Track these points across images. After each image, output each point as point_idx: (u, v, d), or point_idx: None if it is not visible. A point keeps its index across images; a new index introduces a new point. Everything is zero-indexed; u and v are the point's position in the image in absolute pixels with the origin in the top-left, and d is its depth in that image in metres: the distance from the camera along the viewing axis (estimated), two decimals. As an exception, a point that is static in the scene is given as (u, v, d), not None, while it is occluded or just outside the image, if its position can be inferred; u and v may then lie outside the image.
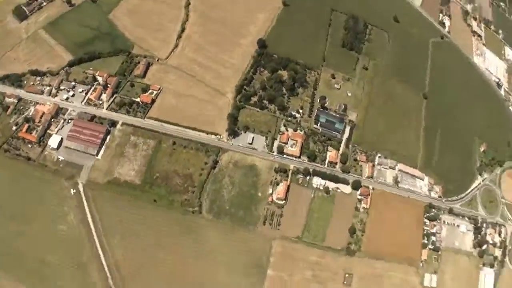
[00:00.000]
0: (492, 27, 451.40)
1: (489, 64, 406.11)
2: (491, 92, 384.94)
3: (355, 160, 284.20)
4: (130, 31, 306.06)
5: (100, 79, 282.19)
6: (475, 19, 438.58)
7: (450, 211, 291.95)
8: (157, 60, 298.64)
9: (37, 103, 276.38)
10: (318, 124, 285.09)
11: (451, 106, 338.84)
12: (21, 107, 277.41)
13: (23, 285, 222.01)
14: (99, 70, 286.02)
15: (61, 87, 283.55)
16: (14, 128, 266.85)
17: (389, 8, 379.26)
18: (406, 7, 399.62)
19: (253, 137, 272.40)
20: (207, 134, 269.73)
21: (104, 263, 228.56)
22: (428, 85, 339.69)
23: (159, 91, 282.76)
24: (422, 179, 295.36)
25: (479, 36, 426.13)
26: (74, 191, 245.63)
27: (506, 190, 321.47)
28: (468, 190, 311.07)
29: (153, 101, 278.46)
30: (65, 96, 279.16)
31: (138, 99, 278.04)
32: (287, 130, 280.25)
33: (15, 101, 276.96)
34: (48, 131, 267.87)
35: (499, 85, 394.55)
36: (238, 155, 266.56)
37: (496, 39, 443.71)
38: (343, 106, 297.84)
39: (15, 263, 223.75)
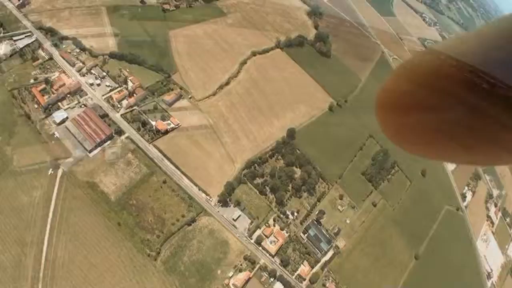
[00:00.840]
0: (508, 219, 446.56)
1: (489, 253, 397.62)
2: (478, 280, 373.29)
3: (324, 285, 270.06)
4: (180, 57, 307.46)
5: (130, 84, 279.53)
6: (495, 205, 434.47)
7: None
8: (190, 97, 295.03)
9: (64, 71, 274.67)
10: (306, 235, 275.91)
11: (435, 278, 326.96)
12: (48, 66, 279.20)
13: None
14: (133, 76, 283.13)
15: (92, 71, 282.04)
16: (31, 81, 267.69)
17: (422, 160, 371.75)
18: (437, 167, 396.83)
19: (239, 215, 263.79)
20: (199, 190, 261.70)
21: (44, 253, 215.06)
22: (424, 248, 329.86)
23: (177, 126, 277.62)
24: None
25: (492, 223, 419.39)
26: (52, 172, 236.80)
27: None
28: None
29: (166, 132, 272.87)
30: (91, 81, 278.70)
31: (153, 123, 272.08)
32: (274, 226, 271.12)
33: (46, 57, 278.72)
34: (59, 103, 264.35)
35: (489, 276, 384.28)
36: (218, 225, 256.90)
37: (506, 232, 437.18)
38: (336, 229, 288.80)
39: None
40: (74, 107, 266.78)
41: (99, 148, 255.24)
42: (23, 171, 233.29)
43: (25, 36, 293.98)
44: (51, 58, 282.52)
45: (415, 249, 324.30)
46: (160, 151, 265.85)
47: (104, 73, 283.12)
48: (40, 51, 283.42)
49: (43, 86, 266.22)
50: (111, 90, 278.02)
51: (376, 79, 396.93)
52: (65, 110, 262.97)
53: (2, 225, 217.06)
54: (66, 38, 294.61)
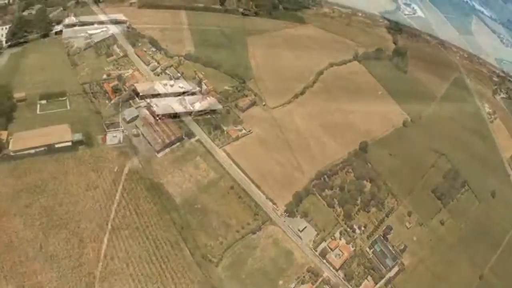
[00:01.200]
0: None
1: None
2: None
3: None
4: (257, 63, 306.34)
5: (204, 87, 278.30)
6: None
7: None
8: (264, 105, 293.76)
9: (137, 69, 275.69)
10: (372, 250, 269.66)
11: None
12: (122, 63, 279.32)
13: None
14: (207, 79, 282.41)
15: (167, 71, 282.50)
16: (104, 76, 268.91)
17: (493, 180, 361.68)
18: (506, 189, 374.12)
19: (305, 227, 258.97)
20: (266, 198, 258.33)
21: (103, 248, 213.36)
22: (488, 270, 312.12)
23: (249, 132, 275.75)
24: None
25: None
26: (117, 169, 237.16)
27: None
28: None
29: (237, 137, 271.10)
30: (165, 81, 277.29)
31: (225, 128, 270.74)
32: (340, 239, 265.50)
33: (121, 54, 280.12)
34: (130, 100, 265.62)
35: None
36: (283, 235, 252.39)
37: None
38: (403, 246, 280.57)
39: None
40: (145, 106, 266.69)
41: (168, 149, 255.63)
42: (90, 168, 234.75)
43: (101, 31, 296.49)
44: (125, 55, 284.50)
45: (480, 270, 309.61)
46: (230, 157, 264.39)
47: (179, 74, 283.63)
48: (115, 47, 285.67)
49: (115, 82, 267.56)
50: (184, 92, 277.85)
51: (452, 97, 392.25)
52: (136, 108, 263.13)
53: (63, 216, 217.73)
54: (142, 36, 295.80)
